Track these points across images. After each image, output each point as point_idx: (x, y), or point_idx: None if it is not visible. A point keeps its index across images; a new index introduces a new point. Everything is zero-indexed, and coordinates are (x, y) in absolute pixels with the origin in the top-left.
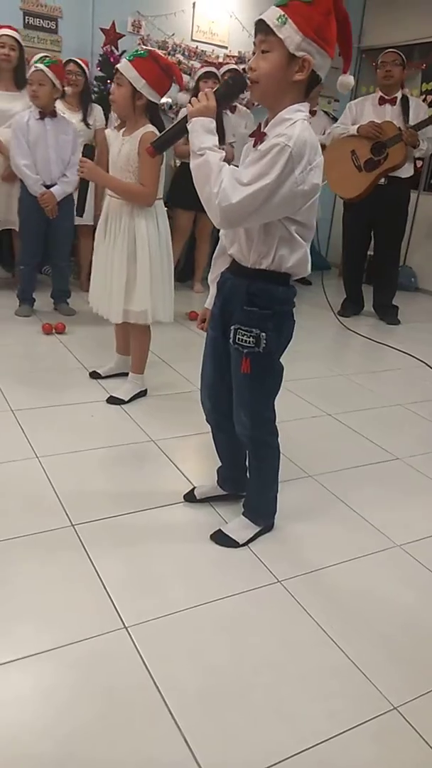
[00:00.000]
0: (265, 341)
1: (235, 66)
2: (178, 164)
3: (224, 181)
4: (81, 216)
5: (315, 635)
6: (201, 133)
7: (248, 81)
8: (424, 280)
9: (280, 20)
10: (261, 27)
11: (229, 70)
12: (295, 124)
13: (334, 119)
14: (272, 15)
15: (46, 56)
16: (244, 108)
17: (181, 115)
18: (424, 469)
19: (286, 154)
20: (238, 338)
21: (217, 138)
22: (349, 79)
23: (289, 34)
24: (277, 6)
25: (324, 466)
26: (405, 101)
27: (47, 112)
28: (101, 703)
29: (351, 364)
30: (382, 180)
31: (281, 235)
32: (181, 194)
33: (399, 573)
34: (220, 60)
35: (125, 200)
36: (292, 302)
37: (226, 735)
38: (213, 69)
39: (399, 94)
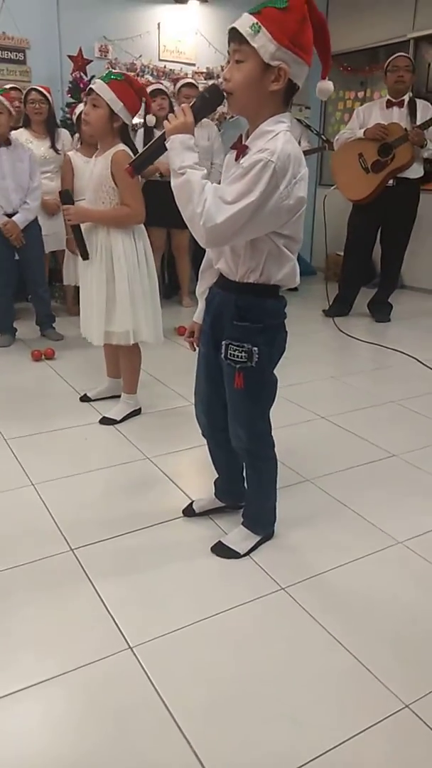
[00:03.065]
0: (257, 356)
1: (190, 80)
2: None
3: (208, 201)
4: (87, 259)
5: (322, 639)
6: (181, 151)
7: (224, 93)
8: (409, 278)
9: (253, 29)
10: (234, 36)
11: (184, 84)
12: (277, 136)
13: (308, 127)
14: (245, 23)
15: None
16: (206, 119)
17: (139, 135)
18: (420, 464)
19: (270, 170)
20: (230, 353)
21: (197, 155)
22: (328, 85)
23: (263, 44)
24: (251, 13)
25: (321, 469)
26: (412, 104)
27: (2, 141)
28: (110, 726)
29: (341, 365)
30: (391, 181)
31: (269, 249)
32: (151, 212)
33: (402, 570)
34: (189, 77)
35: (116, 227)
36: (283, 314)
37: (238, 748)
38: (160, 86)
39: (406, 97)
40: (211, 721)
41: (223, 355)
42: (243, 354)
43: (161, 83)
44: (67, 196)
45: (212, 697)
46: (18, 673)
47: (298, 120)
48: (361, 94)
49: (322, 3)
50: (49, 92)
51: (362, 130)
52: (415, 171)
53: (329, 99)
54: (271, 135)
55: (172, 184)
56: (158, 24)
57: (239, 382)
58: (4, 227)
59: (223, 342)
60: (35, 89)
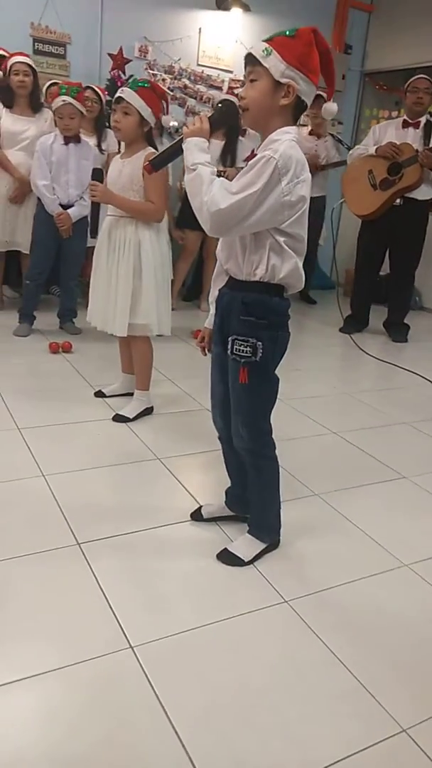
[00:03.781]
0: (261, 351)
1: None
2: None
3: (214, 189)
4: (95, 237)
5: (322, 656)
6: (194, 151)
7: (240, 108)
8: (428, 299)
9: (265, 52)
10: (249, 59)
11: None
12: (282, 142)
13: (339, 141)
14: (258, 48)
15: (67, 85)
16: (254, 132)
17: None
18: (430, 488)
19: (272, 165)
20: (236, 348)
21: (209, 156)
22: (332, 107)
23: (274, 63)
24: (264, 41)
25: (330, 484)
26: (428, 126)
27: (72, 137)
28: (106, 724)
29: (356, 382)
30: (398, 201)
31: (270, 244)
32: (190, 215)
33: (406, 593)
34: (226, 84)
35: (137, 218)
36: (287, 314)
37: (234, 758)
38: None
39: (423, 119)
40: (208, 729)
41: (229, 351)
42: (248, 348)
43: (232, 93)
44: (98, 173)
45: (210, 706)
46: (15, 663)
47: (331, 134)
48: (395, 114)
49: (363, 22)
50: (103, 92)
51: (374, 147)
52: (424, 192)
53: (363, 116)
54: (277, 142)
55: (185, 179)
56: (199, 29)
57: (243, 377)
58: (58, 217)
59: (230, 338)
60: (91, 87)
